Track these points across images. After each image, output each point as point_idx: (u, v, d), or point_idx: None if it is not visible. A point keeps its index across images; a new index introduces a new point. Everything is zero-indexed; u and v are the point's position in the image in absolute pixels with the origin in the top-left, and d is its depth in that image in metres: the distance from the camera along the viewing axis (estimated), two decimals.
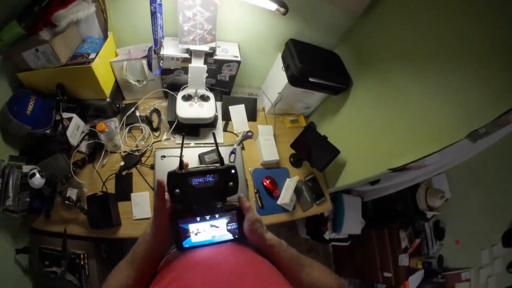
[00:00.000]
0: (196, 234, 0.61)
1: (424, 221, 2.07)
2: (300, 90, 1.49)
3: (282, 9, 1.19)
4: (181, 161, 0.60)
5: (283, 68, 1.46)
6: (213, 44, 1.31)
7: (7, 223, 1.06)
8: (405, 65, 1.19)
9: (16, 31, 0.93)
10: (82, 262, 1.15)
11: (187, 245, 0.62)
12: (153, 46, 1.20)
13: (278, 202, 1.47)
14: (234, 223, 0.63)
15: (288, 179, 1.54)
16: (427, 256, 2.15)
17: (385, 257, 1.93)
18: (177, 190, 0.58)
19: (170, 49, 1.32)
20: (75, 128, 1.26)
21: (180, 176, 0.58)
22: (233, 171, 0.62)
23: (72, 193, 1.18)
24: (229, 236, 0.64)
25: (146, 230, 0.62)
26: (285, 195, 1.46)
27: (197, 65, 1.32)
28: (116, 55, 1.33)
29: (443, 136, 1.04)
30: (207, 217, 0.61)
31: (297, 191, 1.53)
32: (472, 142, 1.09)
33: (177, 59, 1.33)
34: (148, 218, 1.25)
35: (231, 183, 0.62)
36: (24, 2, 0.95)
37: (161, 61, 1.27)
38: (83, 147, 1.29)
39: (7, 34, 0.93)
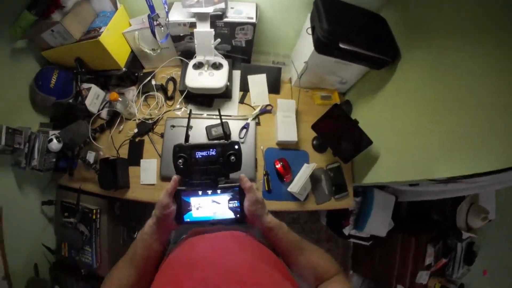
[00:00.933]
0: (197, 208, 0.63)
1: (458, 240, 1.70)
2: (332, 60, 1.20)
3: None
4: (187, 134, 0.65)
5: (309, 31, 1.18)
6: (221, 5, 1.15)
7: (37, 179, 1.26)
8: (474, 44, 0.80)
9: (29, 18, 1.04)
10: (94, 217, 1.29)
11: (188, 219, 0.63)
12: (150, 14, 1.13)
13: (288, 189, 1.30)
14: (236, 201, 0.64)
15: (305, 165, 1.33)
16: (449, 279, 1.80)
17: (405, 268, 1.64)
18: (180, 161, 0.61)
19: (177, 15, 1.22)
20: (95, 97, 1.34)
21: (185, 148, 0.62)
22: (236, 146, 0.64)
23: (90, 155, 1.30)
24: (231, 215, 0.64)
25: (144, 229, 0.62)
26: (297, 183, 1.28)
27: (203, 30, 1.19)
28: (130, 25, 1.32)
29: (508, 153, 0.71)
30: (209, 192, 0.63)
31: (315, 179, 1.33)
32: None
33: (184, 24, 1.22)
34: (153, 185, 1.30)
35: (233, 158, 0.63)
36: None
37: (162, 28, 1.19)
38: (103, 114, 1.38)
39: (23, 21, 1.04)
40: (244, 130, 1.35)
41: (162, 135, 1.35)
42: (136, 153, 1.35)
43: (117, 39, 1.28)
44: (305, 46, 1.25)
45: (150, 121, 1.37)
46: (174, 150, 0.62)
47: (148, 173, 1.31)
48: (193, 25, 1.21)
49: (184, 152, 0.62)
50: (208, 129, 1.32)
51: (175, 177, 0.61)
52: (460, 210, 1.55)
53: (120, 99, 1.27)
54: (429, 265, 1.66)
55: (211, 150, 0.63)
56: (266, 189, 1.31)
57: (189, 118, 0.66)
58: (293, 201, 1.32)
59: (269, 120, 1.42)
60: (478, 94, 0.79)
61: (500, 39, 0.72)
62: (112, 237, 1.34)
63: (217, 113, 1.39)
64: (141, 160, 1.33)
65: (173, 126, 1.34)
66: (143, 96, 1.41)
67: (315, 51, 1.17)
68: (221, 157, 0.63)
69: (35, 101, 1.22)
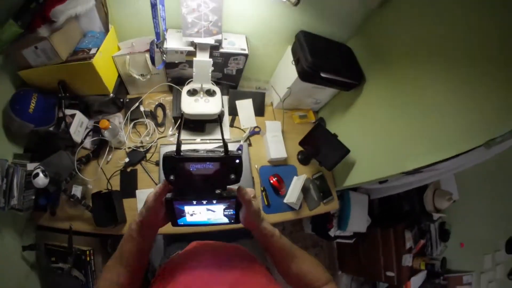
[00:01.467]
0: (191, 215, 0.60)
1: (430, 222, 2.05)
2: (311, 86, 1.41)
3: (295, 1, 1.11)
4: (178, 145, 0.53)
5: (293, 62, 1.38)
6: (219, 37, 1.24)
7: (14, 220, 1.07)
8: (420, 64, 1.10)
9: (13, 30, 0.91)
10: (88, 258, 1.15)
11: (182, 223, 0.61)
12: (155, 40, 1.15)
13: (285, 200, 1.43)
14: (231, 210, 0.61)
15: (295, 177, 1.49)
16: (431, 257, 2.14)
17: (389, 256, 1.92)
18: (171, 177, 0.53)
19: (174, 42, 1.25)
20: (79, 125, 1.23)
21: (176, 161, 0.53)
22: (237, 161, 0.56)
23: (77, 190, 1.17)
24: (225, 220, 0.63)
25: (131, 226, 0.61)
26: (292, 194, 1.43)
27: (202, 59, 1.26)
28: (119, 49, 1.28)
29: (459, 142, 0.98)
30: (204, 202, 0.58)
31: (304, 189, 1.49)
32: (486, 148, 1.03)
33: (181, 52, 1.27)
34: None
35: (232, 176, 0.56)
36: (20, 1, 0.92)
37: (164, 56, 1.22)
38: (87, 143, 1.26)
39: (4, 33, 0.90)
40: (239, 152, 1.43)
41: (157, 163, 1.32)
42: (129, 184, 1.28)
43: (107, 62, 1.21)
44: (287, 74, 1.44)
45: (142, 149, 1.32)
46: (163, 162, 0.53)
47: None
48: (190, 53, 1.27)
49: (175, 166, 0.53)
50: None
51: (164, 181, 0.56)
52: (426, 196, 1.86)
53: (110, 126, 1.19)
54: (410, 248, 1.95)
55: (207, 164, 0.54)
56: (266, 204, 1.40)
57: (180, 126, 0.58)
58: (290, 211, 1.45)
59: (259, 140, 1.54)
60: (428, 102, 1.08)
61: (437, 63, 1.03)
62: None
63: (210, 137, 1.44)
64: (137, 191, 1.26)
65: None
66: (132, 123, 1.36)
67: (299, 79, 1.36)
68: (219, 171, 0.56)
69: (9, 128, 1.05)
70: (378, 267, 1.94)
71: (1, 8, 0.90)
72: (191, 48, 1.26)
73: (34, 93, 1.09)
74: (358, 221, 1.74)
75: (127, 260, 0.61)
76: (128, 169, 1.29)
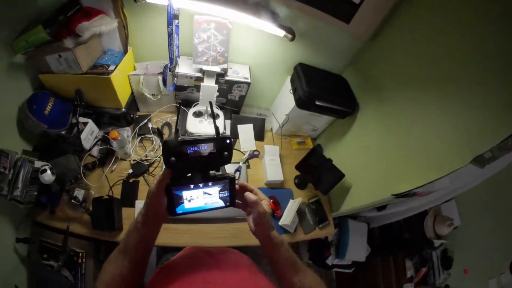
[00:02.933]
0: (189, 201, 0.63)
1: (431, 249, 2.00)
2: (307, 113, 1.53)
3: (289, 36, 1.26)
4: (176, 129, 0.60)
5: (291, 91, 1.51)
6: (225, 66, 1.39)
7: (12, 212, 1.11)
8: (409, 92, 1.21)
9: (41, 36, 0.99)
10: (80, 260, 1.18)
11: (180, 211, 0.64)
12: (169, 64, 1.30)
13: (280, 222, 1.45)
14: (226, 191, 0.66)
15: (291, 200, 1.53)
16: (433, 286, 2.05)
17: (390, 286, 1.86)
18: (172, 158, 0.58)
19: (185, 68, 1.41)
20: (89, 133, 1.33)
21: (176, 144, 0.58)
22: (228, 141, 0.63)
23: (79, 193, 1.22)
24: (221, 204, 0.67)
25: (137, 218, 0.63)
26: (287, 216, 1.45)
27: (209, 84, 1.40)
28: (134, 69, 1.43)
29: (448, 162, 1.03)
30: (201, 185, 0.63)
31: (300, 213, 1.52)
32: (479, 167, 1.07)
33: (191, 77, 1.42)
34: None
35: (226, 153, 0.63)
36: (51, 10, 1.03)
37: (175, 79, 1.37)
38: (95, 151, 1.36)
39: (32, 37, 1.00)
40: (238, 173, 1.50)
41: None
42: (130, 194, 1.33)
43: (123, 79, 1.34)
44: (286, 102, 1.56)
45: (146, 163, 1.41)
46: (164, 146, 0.58)
47: None
48: (198, 79, 1.42)
49: (175, 149, 0.58)
50: None
51: (166, 169, 0.60)
52: (426, 223, 1.84)
53: (119, 138, 1.29)
54: (411, 277, 1.89)
55: (202, 145, 0.60)
56: None
57: (178, 112, 0.65)
58: (284, 233, 1.45)
59: (257, 163, 1.62)
60: (416, 127, 1.16)
61: (425, 89, 1.13)
62: None
63: None
64: (136, 201, 1.32)
65: None
66: (139, 138, 1.46)
67: (296, 106, 1.48)
68: (213, 152, 0.61)
69: (23, 125, 1.13)
70: None
71: (32, 14, 1.01)
72: (200, 74, 1.41)
73: (52, 97, 1.19)
74: (357, 249, 1.72)
75: (131, 253, 0.62)
76: (131, 180, 1.37)
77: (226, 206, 0.68)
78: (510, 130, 0.86)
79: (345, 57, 1.54)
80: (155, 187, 0.60)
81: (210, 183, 0.63)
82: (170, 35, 1.19)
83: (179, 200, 0.63)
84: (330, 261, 1.75)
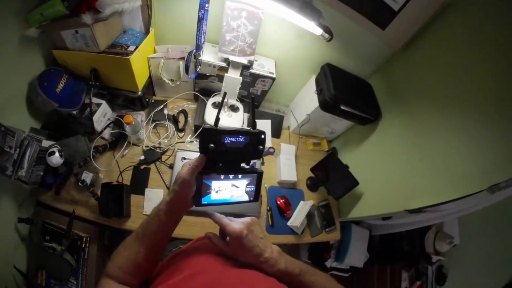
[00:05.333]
0: (217, 192, 0.63)
1: (428, 264, 2.06)
2: (329, 115, 1.50)
3: (327, 36, 1.21)
4: (217, 118, 0.61)
5: (316, 92, 1.48)
6: (251, 58, 1.33)
7: (15, 191, 1.08)
8: (435, 108, 1.20)
9: (58, 9, 0.93)
10: (83, 245, 1.17)
11: (206, 202, 0.63)
12: (194, 50, 1.24)
13: (289, 223, 1.47)
14: (252, 186, 0.67)
15: (302, 202, 1.54)
16: None
17: None
18: (211, 145, 0.59)
19: (209, 56, 1.35)
20: (102, 115, 1.29)
21: (215, 132, 0.59)
22: (263, 136, 0.65)
23: (87, 176, 1.20)
24: (246, 198, 0.67)
25: (160, 206, 0.61)
26: (297, 218, 1.46)
27: (233, 76, 1.34)
28: (155, 51, 1.36)
29: (464, 185, 1.04)
30: (231, 176, 0.64)
31: (309, 215, 1.52)
32: (490, 193, 1.09)
33: (214, 66, 1.36)
34: None
35: (260, 146, 0.64)
36: None
37: (199, 67, 1.31)
38: (106, 134, 1.32)
39: (48, 10, 0.93)
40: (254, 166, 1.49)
41: (171, 166, 1.37)
42: (140, 181, 1.31)
43: (142, 62, 1.29)
44: (308, 102, 1.53)
45: (159, 150, 1.38)
46: (203, 133, 0.60)
47: (153, 203, 1.26)
48: (222, 68, 1.37)
49: (214, 136, 0.59)
50: None
51: (202, 155, 0.59)
52: (427, 237, 1.88)
53: (133, 122, 1.24)
54: None
55: (240, 137, 0.62)
56: (270, 223, 1.43)
57: (222, 101, 0.67)
58: (292, 234, 1.47)
59: (271, 161, 1.60)
60: (436, 144, 1.16)
61: (450, 107, 1.12)
62: (100, 270, 1.21)
63: None
64: (146, 189, 1.30)
65: (184, 158, 1.38)
66: (153, 124, 1.42)
67: (319, 108, 1.45)
68: (248, 144, 0.63)
69: (32, 102, 1.09)
70: None
71: None
72: (224, 64, 1.35)
73: (65, 75, 1.14)
74: (357, 255, 1.75)
75: (149, 240, 0.61)
76: (142, 167, 1.34)
77: (250, 201, 0.68)
78: None
79: (375, 63, 1.51)
80: (187, 173, 0.58)
81: (239, 176, 0.64)
82: (200, 20, 1.12)
83: (207, 190, 0.63)
84: (329, 263, 1.79)
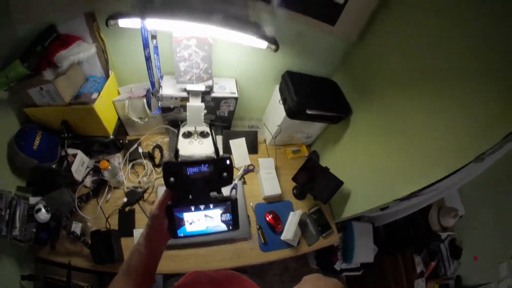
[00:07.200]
0: (190, 223, 0.63)
1: (439, 242, 2.02)
2: (299, 122, 1.53)
3: (273, 46, 1.26)
4: (176, 151, 0.64)
5: (280, 102, 1.51)
6: (209, 82, 1.38)
7: (14, 250, 1.12)
8: (402, 91, 1.20)
9: (20, 70, 0.99)
10: None
11: (182, 234, 0.63)
12: (150, 88, 1.30)
13: (282, 237, 1.46)
14: (228, 214, 0.65)
15: (291, 213, 1.54)
16: (445, 277, 2.07)
17: (401, 283, 1.87)
18: (172, 179, 0.59)
19: (169, 89, 1.40)
20: (80, 164, 1.34)
21: (176, 165, 0.60)
22: (227, 161, 0.64)
23: (76, 227, 1.24)
24: (223, 227, 0.66)
25: (139, 240, 0.63)
26: (289, 230, 1.46)
27: (195, 104, 1.40)
28: (119, 93, 1.42)
29: (449, 162, 1.03)
30: (202, 207, 0.62)
31: (302, 224, 1.53)
32: (479, 162, 1.04)
33: (176, 98, 1.42)
34: None
35: (225, 174, 0.63)
36: (29, 40, 1.03)
37: (160, 102, 1.37)
38: (88, 182, 1.37)
39: (11, 72, 0.99)
40: (234, 190, 1.51)
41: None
42: (127, 223, 1.35)
43: (107, 106, 1.34)
44: (277, 113, 1.56)
45: (140, 189, 1.42)
46: (164, 167, 0.60)
47: None
48: (184, 98, 1.42)
49: (174, 170, 0.60)
50: None
51: (166, 189, 0.61)
52: (431, 216, 1.85)
53: (110, 167, 1.29)
54: (421, 272, 1.92)
55: (202, 166, 0.62)
56: (262, 242, 1.43)
57: (178, 132, 0.66)
58: (287, 248, 1.47)
59: (253, 178, 1.63)
60: (413, 127, 1.15)
61: (419, 88, 1.12)
62: None
63: None
64: (134, 230, 1.33)
65: None
66: (130, 164, 1.47)
67: (287, 117, 1.47)
68: (213, 173, 0.63)
69: (14, 161, 1.15)
70: None
71: (9, 48, 1.00)
72: (185, 94, 1.40)
73: (39, 130, 1.20)
74: (364, 251, 1.74)
75: (134, 274, 0.62)
76: (126, 209, 1.38)
77: (229, 230, 0.67)
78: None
79: (334, 60, 1.53)
80: (155, 208, 0.61)
81: (211, 206, 0.63)
82: (147, 59, 1.19)
83: (180, 222, 0.63)
84: (338, 266, 1.77)
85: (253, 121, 1.79)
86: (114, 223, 1.33)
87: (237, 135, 1.68)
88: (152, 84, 1.29)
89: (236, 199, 0.65)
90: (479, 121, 0.94)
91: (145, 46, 1.14)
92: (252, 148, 1.71)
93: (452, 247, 2.10)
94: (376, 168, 1.38)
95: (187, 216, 0.62)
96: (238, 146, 1.65)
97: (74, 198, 1.26)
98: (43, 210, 1.06)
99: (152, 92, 1.32)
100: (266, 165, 1.62)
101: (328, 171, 1.50)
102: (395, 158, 1.27)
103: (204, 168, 0.62)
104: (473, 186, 1.84)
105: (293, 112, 1.45)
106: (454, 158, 1.02)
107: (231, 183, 0.66)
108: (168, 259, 1.29)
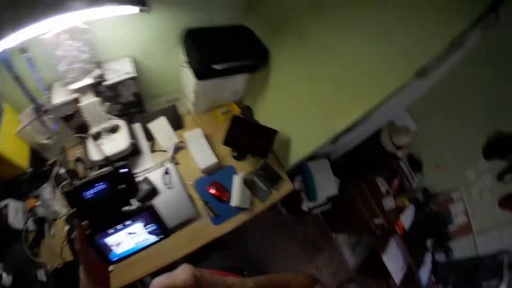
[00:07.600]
0: (118, 245, 0.61)
1: (397, 160, 2.03)
2: (214, 81, 1.39)
3: (145, 8, 1.08)
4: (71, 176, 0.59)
5: (185, 65, 1.36)
6: (98, 72, 1.24)
7: None
8: (318, 19, 1.08)
9: None
10: None
11: (115, 258, 0.61)
12: (33, 106, 1.19)
13: (232, 204, 1.41)
14: (151, 224, 0.62)
15: (234, 176, 1.47)
16: (412, 191, 2.15)
17: (370, 206, 1.95)
18: (73, 209, 0.58)
19: (61, 95, 1.25)
20: (15, 213, 1.25)
21: (72, 193, 0.58)
22: (123, 170, 0.61)
23: (41, 274, 1.19)
24: (154, 238, 0.64)
25: (80, 280, 0.61)
26: (236, 195, 1.41)
27: (88, 101, 1.27)
28: (19, 122, 1.29)
29: (389, 82, 0.96)
30: (119, 227, 0.60)
31: (250, 184, 1.48)
32: (423, 78, 0.96)
33: (69, 102, 1.27)
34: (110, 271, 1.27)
35: (123, 185, 0.60)
36: None
37: (51, 115, 1.26)
38: (30, 226, 1.28)
39: None
40: (167, 176, 1.41)
41: None
42: None
43: (13, 141, 1.25)
44: (188, 78, 1.42)
45: None
46: (66, 199, 0.58)
47: None
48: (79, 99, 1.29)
49: (73, 198, 0.57)
50: None
51: (77, 221, 0.59)
52: (383, 139, 1.84)
53: (38, 203, 1.23)
54: (387, 192, 2.00)
55: (98, 185, 0.59)
56: (213, 215, 1.39)
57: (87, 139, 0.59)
58: (242, 212, 1.43)
59: (186, 155, 1.51)
60: (340, 54, 1.06)
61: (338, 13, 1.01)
62: None
63: (136, 171, 1.45)
64: None
65: None
66: (60, 188, 1.39)
67: (197, 79, 1.34)
68: (111, 189, 0.60)
69: None
70: (365, 219, 1.98)
71: None
72: (77, 95, 1.26)
73: None
74: (326, 185, 1.75)
75: None
76: (73, 235, 1.29)
77: (161, 239, 0.65)
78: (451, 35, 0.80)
79: (239, 2, 1.36)
80: (77, 243, 0.58)
81: (129, 222, 0.60)
82: (16, 78, 1.08)
83: (108, 248, 0.60)
84: (306, 206, 1.79)
85: (172, 95, 1.64)
86: (68, 255, 1.26)
87: (155, 115, 1.55)
88: (34, 101, 1.16)
89: (151, 206, 0.61)
90: (413, 36, 0.87)
91: (9, 66, 1.03)
92: (176, 123, 1.58)
93: (411, 161, 2.15)
94: (310, 107, 1.29)
95: (111, 240, 0.60)
96: (160, 127, 1.53)
97: (25, 248, 1.20)
98: (4, 275, 1.04)
99: (37, 108, 1.20)
100: (194, 137, 1.51)
101: (258, 124, 1.41)
102: (326, 92, 1.18)
103: (102, 185, 0.59)
104: (421, 102, 1.76)
105: (200, 73, 1.32)
106: (393, 77, 0.94)
107: (136, 192, 0.62)
108: (126, 268, 1.22)
